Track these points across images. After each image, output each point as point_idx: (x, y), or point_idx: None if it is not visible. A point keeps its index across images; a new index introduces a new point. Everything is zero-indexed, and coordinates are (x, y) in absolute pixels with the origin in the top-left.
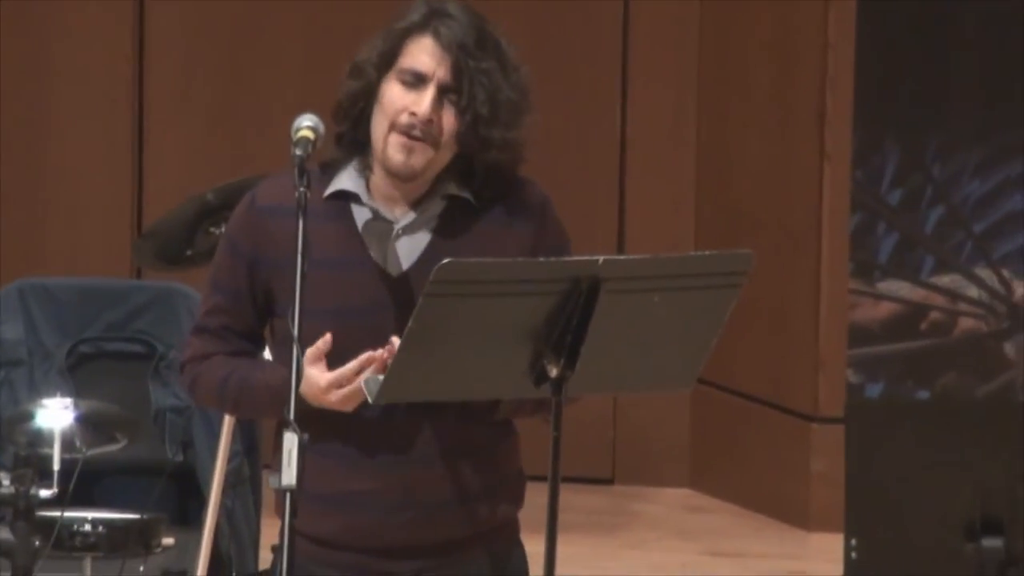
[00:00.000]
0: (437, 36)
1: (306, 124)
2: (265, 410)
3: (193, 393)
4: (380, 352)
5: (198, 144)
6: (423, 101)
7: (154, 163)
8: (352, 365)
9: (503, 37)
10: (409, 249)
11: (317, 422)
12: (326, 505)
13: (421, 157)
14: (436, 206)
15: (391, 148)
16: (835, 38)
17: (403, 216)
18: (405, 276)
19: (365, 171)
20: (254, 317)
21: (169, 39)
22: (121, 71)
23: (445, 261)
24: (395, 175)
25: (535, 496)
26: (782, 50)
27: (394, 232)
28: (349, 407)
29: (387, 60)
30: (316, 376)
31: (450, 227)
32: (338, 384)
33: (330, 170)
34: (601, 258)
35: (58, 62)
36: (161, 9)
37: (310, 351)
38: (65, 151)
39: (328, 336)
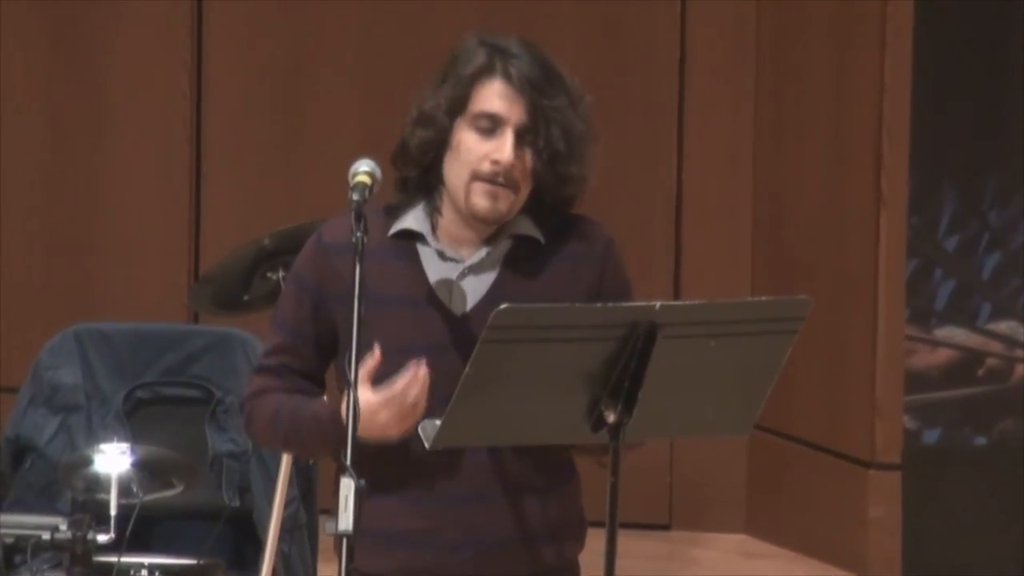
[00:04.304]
0: (508, 77)
1: (363, 169)
2: (313, 444)
3: (250, 430)
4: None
5: (255, 189)
6: (504, 148)
7: (211, 208)
8: (399, 384)
9: (565, 68)
10: (475, 289)
11: (376, 459)
12: (385, 543)
13: (506, 202)
14: (503, 246)
15: (475, 195)
16: (891, 83)
17: (469, 256)
18: (469, 316)
19: (434, 213)
20: (315, 357)
21: (226, 82)
22: (179, 113)
23: (502, 307)
24: (482, 220)
25: (592, 541)
26: (838, 95)
27: (460, 272)
28: (403, 428)
29: (458, 106)
30: (367, 396)
31: (516, 267)
32: (387, 404)
33: (395, 211)
34: (658, 303)
35: (115, 105)
36: (218, 49)
37: (361, 370)
38: (122, 195)
39: (377, 351)
